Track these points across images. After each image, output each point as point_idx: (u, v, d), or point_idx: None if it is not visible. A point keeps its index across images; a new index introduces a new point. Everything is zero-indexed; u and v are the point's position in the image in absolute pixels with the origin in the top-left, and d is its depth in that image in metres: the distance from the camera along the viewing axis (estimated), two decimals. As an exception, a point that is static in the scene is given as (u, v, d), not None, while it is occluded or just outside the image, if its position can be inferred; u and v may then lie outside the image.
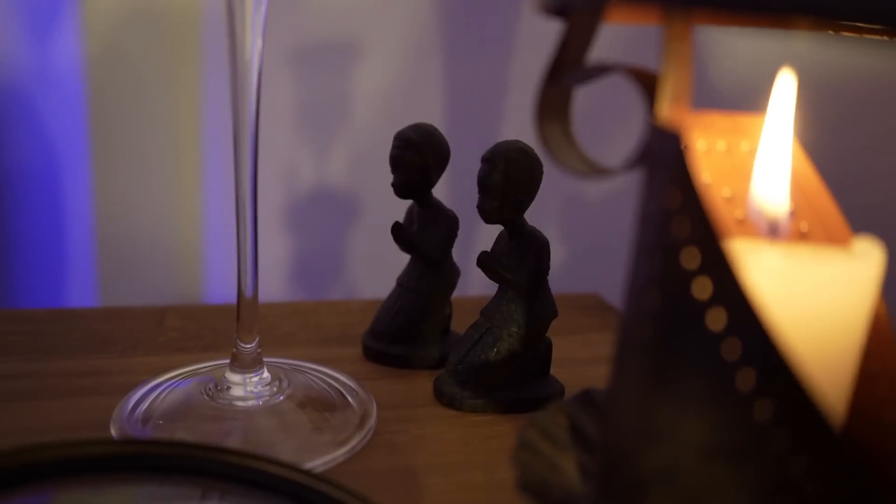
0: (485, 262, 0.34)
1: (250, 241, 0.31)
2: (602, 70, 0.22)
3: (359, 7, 0.61)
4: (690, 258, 0.18)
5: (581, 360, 0.40)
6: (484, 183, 0.33)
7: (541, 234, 0.34)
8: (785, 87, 0.20)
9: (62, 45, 0.60)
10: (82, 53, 0.59)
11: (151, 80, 0.61)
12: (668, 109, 0.21)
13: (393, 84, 0.64)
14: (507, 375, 0.34)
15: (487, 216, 0.33)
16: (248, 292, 0.32)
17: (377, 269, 0.65)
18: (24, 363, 0.35)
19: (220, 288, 0.66)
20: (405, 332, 0.38)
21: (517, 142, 0.33)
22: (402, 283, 0.39)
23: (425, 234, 0.38)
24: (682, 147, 0.18)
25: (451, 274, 0.39)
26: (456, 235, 0.38)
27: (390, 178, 0.37)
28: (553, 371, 0.36)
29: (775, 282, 0.19)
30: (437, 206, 0.38)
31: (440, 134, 0.37)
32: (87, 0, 0.58)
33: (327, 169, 0.65)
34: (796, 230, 0.22)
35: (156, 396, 0.32)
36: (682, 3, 0.19)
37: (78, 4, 0.58)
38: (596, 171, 0.22)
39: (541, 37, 0.65)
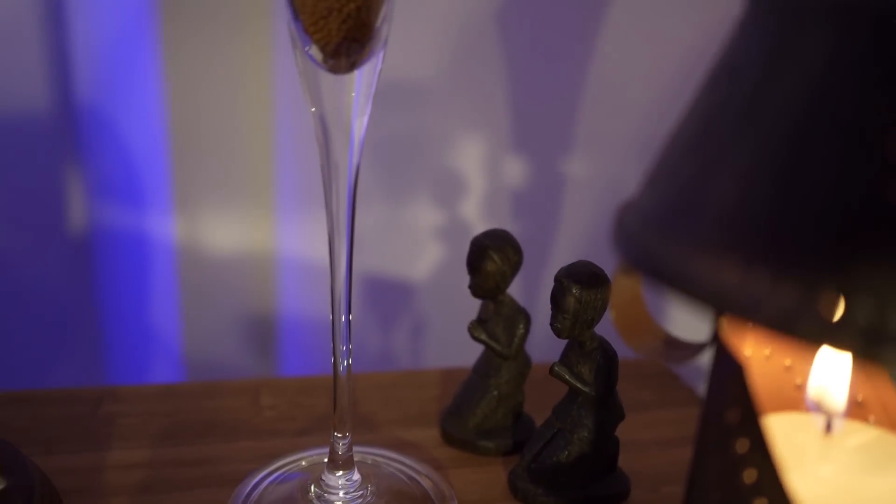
0: (558, 374, 0.36)
1: (344, 329, 0.34)
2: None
3: (429, 50, 0.64)
4: (749, 476, 0.20)
5: (646, 443, 0.42)
6: (557, 303, 0.35)
7: (610, 347, 0.36)
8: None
9: (144, 67, 0.64)
10: (163, 75, 0.63)
11: (227, 98, 0.65)
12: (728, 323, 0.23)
13: (454, 129, 0.67)
14: (577, 475, 0.36)
15: (560, 333, 0.35)
16: (342, 372, 0.35)
17: (448, 329, 0.68)
18: (140, 450, 0.39)
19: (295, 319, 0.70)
20: (480, 420, 0.41)
21: (589, 264, 0.35)
22: (477, 371, 0.42)
23: (501, 331, 0.40)
24: (746, 381, 0.20)
25: (523, 364, 0.41)
26: (529, 332, 0.40)
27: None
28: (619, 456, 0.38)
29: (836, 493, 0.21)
30: (511, 304, 0.40)
31: (513, 239, 0.39)
32: (168, 21, 0.62)
33: (396, 207, 0.68)
34: (863, 417, 0.24)
35: (260, 495, 0.35)
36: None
37: (158, 25, 0.62)
38: (676, 355, 0.24)
39: (604, 95, 0.67)
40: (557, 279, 0.35)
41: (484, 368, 0.41)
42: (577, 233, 0.68)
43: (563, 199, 0.67)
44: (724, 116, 0.18)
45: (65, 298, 0.70)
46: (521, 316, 0.40)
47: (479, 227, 0.71)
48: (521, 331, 0.40)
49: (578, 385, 0.36)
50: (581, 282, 0.34)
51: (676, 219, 0.19)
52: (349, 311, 0.34)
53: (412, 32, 0.63)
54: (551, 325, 0.35)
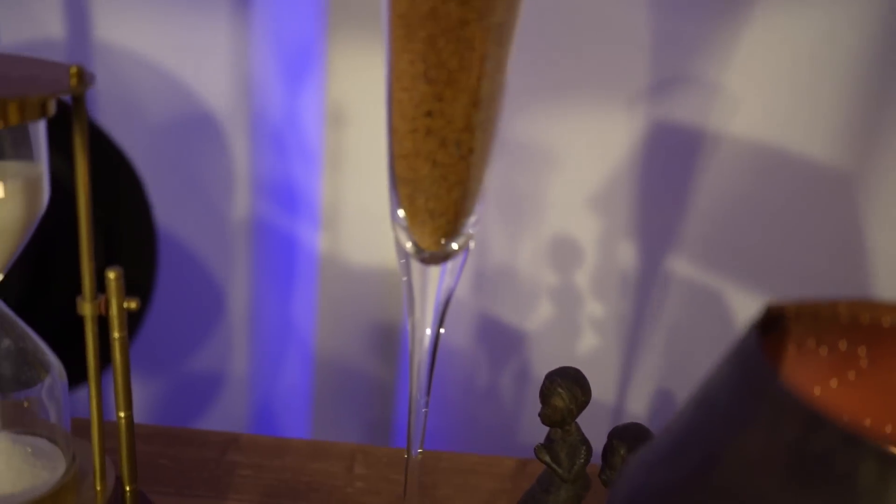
0: (600, 518, 0.40)
1: (417, 430, 0.40)
2: None
3: (560, 115, 0.68)
4: None
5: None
6: (606, 459, 0.39)
7: (652, 502, 0.40)
8: None
9: (310, 86, 0.72)
10: (325, 98, 0.71)
11: (380, 129, 0.71)
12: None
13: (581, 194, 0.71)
14: None
15: (606, 484, 0.40)
16: (413, 452, 0.41)
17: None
18: (250, 504, 0.47)
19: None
20: (537, 528, 0.46)
21: (639, 428, 0.39)
22: (541, 483, 0.46)
23: (564, 456, 0.45)
24: None
25: (582, 487, 0.45)
26: (589, 461, 0.45)
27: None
28: None
29: None
30: (577, 434, 0.45)
31: (583, 380, 0.44)
32: (334, 51, 0.69)
33: (514, 258, 0.73)
34: None
35: (336, 572, 0.42)
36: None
37: (327, 48, 0.69)
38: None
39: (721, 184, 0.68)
40: (610, 438, 0.39)
41: (546, 483, 0.46)
42: (671, 326, 0.70)
43: (666, 293, 0.69)
44: (697, 442, 0.22)
45: (221, 284, 0.80)
46: (584, 447, 0.44)
47: (589, 297, 0.75)
48: (580, 460, 0.44)
49: (619, 530, 0.40)
50: (629, 445, 0.38)
51: (645, 518, 0.23)
52: (426, 405, 0.40)
53: (547, 100, 0.67)
54: (599, 476, 0.40)
